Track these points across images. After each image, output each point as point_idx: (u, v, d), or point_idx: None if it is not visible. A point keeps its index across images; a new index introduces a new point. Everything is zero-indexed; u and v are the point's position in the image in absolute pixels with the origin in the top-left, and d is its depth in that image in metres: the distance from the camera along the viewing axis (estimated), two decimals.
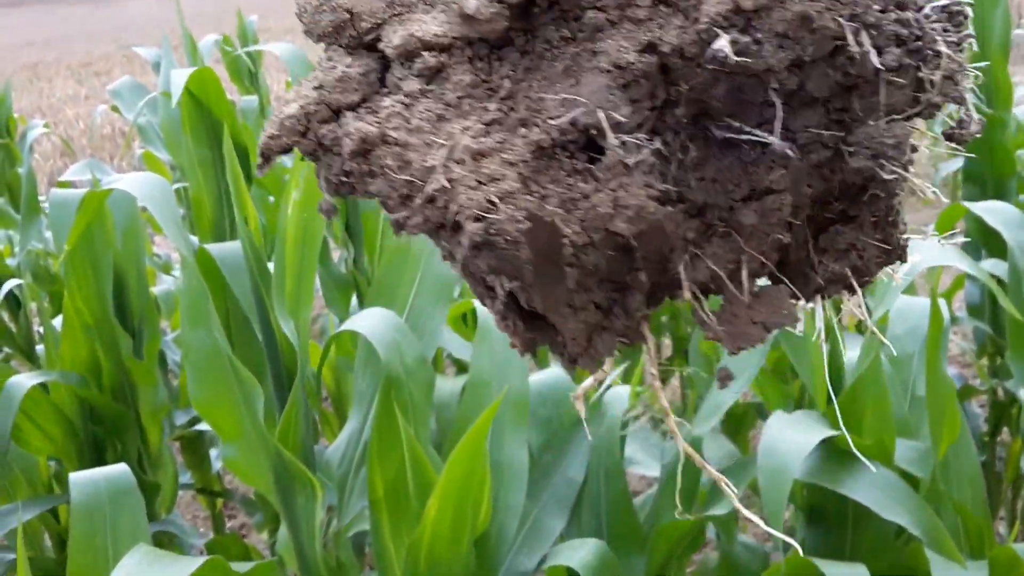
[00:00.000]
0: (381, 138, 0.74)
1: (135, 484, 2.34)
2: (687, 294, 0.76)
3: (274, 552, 3.71)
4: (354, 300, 3.79)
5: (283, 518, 2.53)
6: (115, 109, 5.66)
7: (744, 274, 0.76)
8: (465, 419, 2.50)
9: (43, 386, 3.21)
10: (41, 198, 5.68)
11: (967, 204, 2.97)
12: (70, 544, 2.24)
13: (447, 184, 0.71)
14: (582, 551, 2.40)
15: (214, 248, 2.82)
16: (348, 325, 2.59)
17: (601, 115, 0.73)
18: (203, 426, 3.78)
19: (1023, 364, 2.78)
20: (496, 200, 0.70)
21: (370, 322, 2.48)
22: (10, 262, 4.66)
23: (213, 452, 4.33)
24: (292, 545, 2.51)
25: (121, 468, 2.38)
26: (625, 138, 0.73)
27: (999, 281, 2.96)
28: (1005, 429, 4.13)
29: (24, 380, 3.11)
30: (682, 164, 0.75)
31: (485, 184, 0.72)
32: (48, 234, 4.93)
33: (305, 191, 2.52)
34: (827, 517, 2.73)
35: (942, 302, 2.41)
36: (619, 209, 0.71)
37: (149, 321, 3.49)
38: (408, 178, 0.73)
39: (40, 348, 4.39)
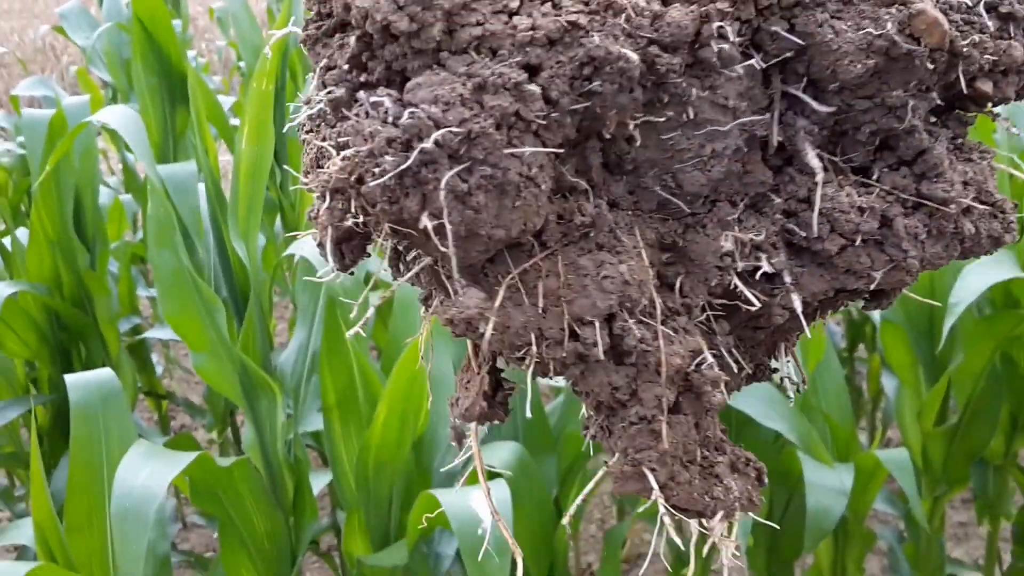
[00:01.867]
0: None
1: (120, 387, 2.50)
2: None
3: (222, 450, 3.93)
4: (278, 222, 3.97)
5: (248, 420, 2.72)
6: (59, 30, 5.68)
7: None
8: (401, 334, 2.73)
9: (12, 295, 3.36)
10: None
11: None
12: (71, 440, 2.37)
13: None
14: (502, 451, 2.59)
15: (164, 170, 2.97)
16: (293, 249, 2.78)
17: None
18: (148, 333, 3.98)
19: None
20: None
21: (311, 244, 2.59)
22: None
23: (154, 357, 4.47)
24: (257, 443, 2.71)
25: (107, 372, 2.52)
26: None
27: None
28: (861, 346, 4.39)
29: (1, 289, 3.26)
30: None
31: None
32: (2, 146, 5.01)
33: (252, 127, 2.66)
34: None
35: None
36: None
37: (101, 237, 3.68)
38: None
39: None
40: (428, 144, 0.69)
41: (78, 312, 3.55)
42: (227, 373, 2.66)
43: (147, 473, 2.20)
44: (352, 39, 0.78)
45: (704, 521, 0.83)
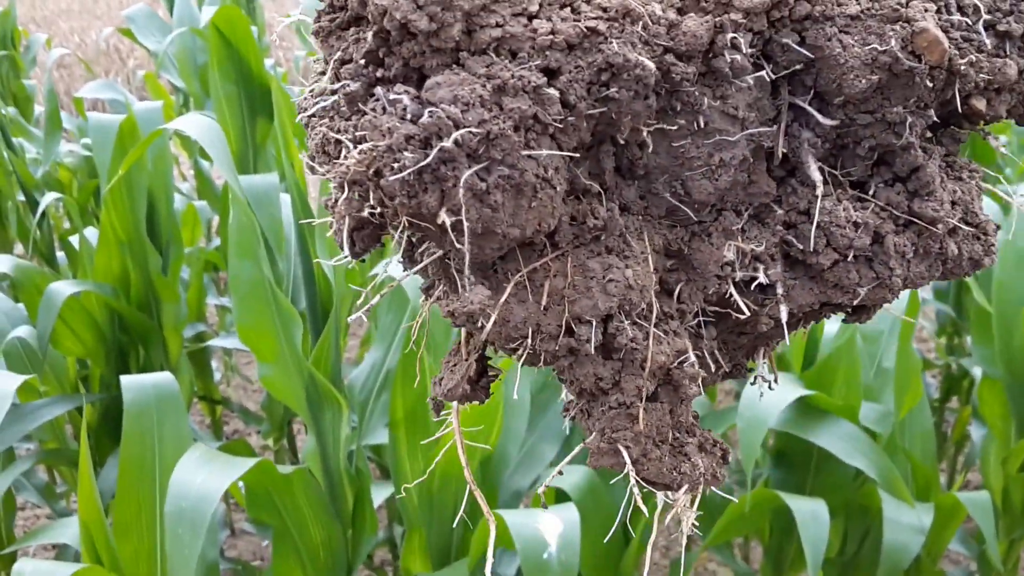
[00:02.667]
0: None
1: (179, 390, 2.52)
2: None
3: (277, 458, 3.89)
4: None
5: (311, 431, 2.73)
6: (127, 33, 5.67)
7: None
8: None
9: (75, 295, 3.38)
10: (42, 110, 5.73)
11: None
12: (123, 439, 2.37)
13: None
14: (573, 476, 2.59)
15: (245, 181, 2.97)
16: (378, 268, 2.77)
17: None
18: (212, 342, 3.99)
19: (982, 347, 2.99)
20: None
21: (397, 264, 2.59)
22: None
23: (213, 363, 4.45)
24: (318, 454, 2.71)
25: (166, 376, 2.54)
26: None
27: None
28: (955, 398, 4.38)
29: (63, 287, 3.29)
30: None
31: None
32: (63, 147, 5.00)
33: None
34: (792, 460, 2.96)
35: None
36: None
37: (175, 242, 3.69)
38: None
39: (61, 256, 4.46)
40: (448, 143, 0.72)
41: (143, 315, 3.59)
42: (294, 385, 2.68)
43: (204, 476, 2.22)
44: (369, 35, 0.80)
45: (670, 493, 0.89)
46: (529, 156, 0.75)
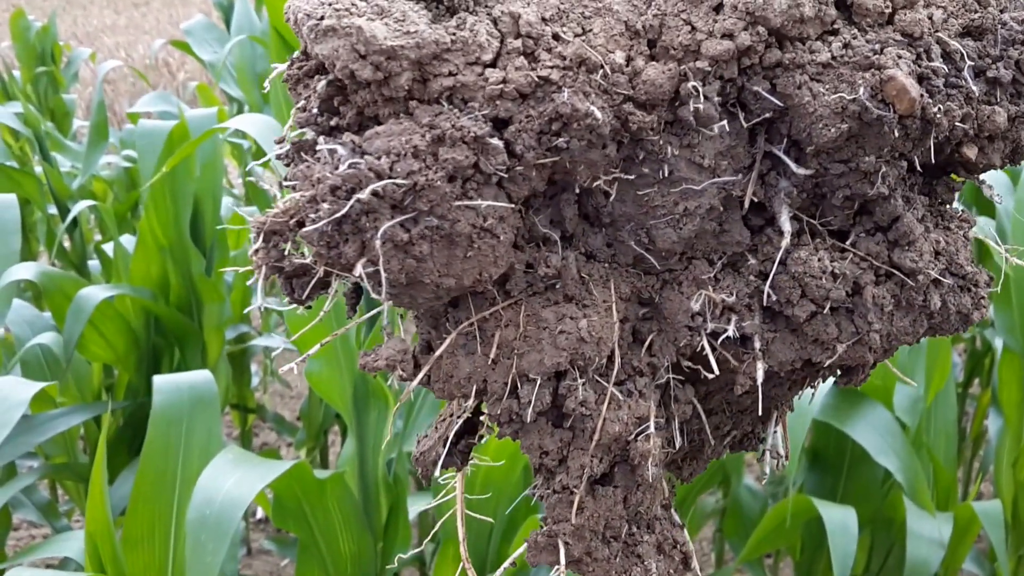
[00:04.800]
0: None
1: (216, 391, 2.43)
2: None
3: None
4: None
5: (351, 433, 2.67)
6: (181, 45, 5.65)
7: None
8: None
9: (108, 298, 3.32)
10: (83, 123, 5.72)
11: None
12: (144, 451, 2.29)
13: None
14: None
15: None
16: None
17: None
18: (256, 341, 3.97)
19: (1003, 314, 2.91)
20: None
21: None
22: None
23: (253, 367, 4.44)
24: (356, 458, 2.66)
25: (204, 375, 2.46)
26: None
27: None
28: (976, 381, 4.32)
29: (96, 292, 3.23)
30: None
31: None
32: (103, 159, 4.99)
33: None
34: (827, 461, 2.93)
35: None
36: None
37: (220, 244, 3.65)
38: None
39: (93, 264, 4.43)
40: (364, 195, 0.70)
41: (182, 317, 3.53)
42: (341, 381, 2.63)
43: (235, 480, 2.15)
44: (322, 84, 0.78)
45: None
46: (466, 206, 0.72)
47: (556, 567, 0.79)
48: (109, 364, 3.61)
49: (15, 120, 4.85)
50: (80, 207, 4.03)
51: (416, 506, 2.85)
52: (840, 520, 2.48)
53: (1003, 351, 2.95)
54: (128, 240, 3.72)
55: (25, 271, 3.21)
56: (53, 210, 4.82)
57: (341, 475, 2.52)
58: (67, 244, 4.78)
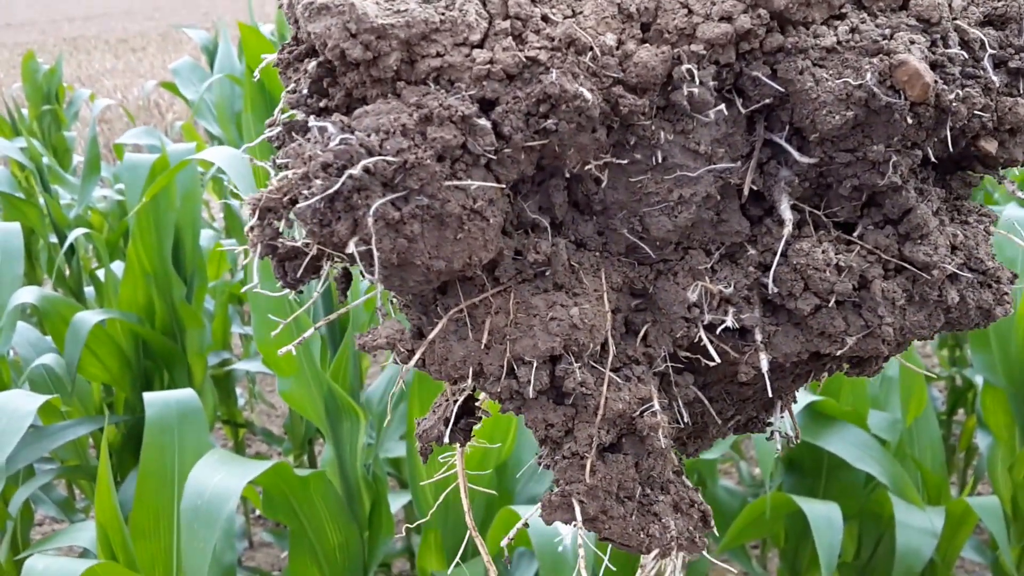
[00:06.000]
0: None
1: (200, 407, 2.51)
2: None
3: None
4: None
5: (329, 441, 2.70)
6: (169, 86, 5.75)
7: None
8: None
9: (101, 323, 3.40)
10: (81, 159, 5.89)
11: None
12: (143, 453, 2.37)
13: None
14: None
15: None
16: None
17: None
18: (236, 365, 3.99)
19: (981, 355, 2.90)
20: None
21: None
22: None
23: (238, 391, 4.50)
24: (336, 463, 2.69)
25: (188, 392, 2.53)
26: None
27: None
28: (960, 411, 4.30)
29: (89, 316, 3.31)
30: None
31: None
32: (97, 193, 5.10)
33: None
34: (804, 467, 2.91)
35: None
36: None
37: (199, 273, 3.71)
38: None
39: (89, 290, 4.54)
40: (356, 171, 0.68)
41: (168, 341, 3.59)
42: (313, 397, 2.65)
43: (222, 476, 2.21)
44: (313, 65, 0.76)
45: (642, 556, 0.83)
46: (455, 187, 0.70)
47: (573, 523, 0.78)
48: (107, 383, 3.66)
49: (20, 154, 4.97)
50: (75, 234, 4.10)
51: (397, 502, 2.92)
52: (824, 513, 2.47)
53: (985, 385, 2.94)
54: (118, 267, 3.78)
55: (28, 295, 3.34)
56: (54, 239, 4.92)
57: (322, 473, 2.56)
58: (67, 271, 4.86)
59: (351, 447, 2.67)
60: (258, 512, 4.51)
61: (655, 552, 0.80)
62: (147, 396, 2.47)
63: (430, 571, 2.67)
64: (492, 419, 2.39)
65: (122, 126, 11.95)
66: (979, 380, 3.11)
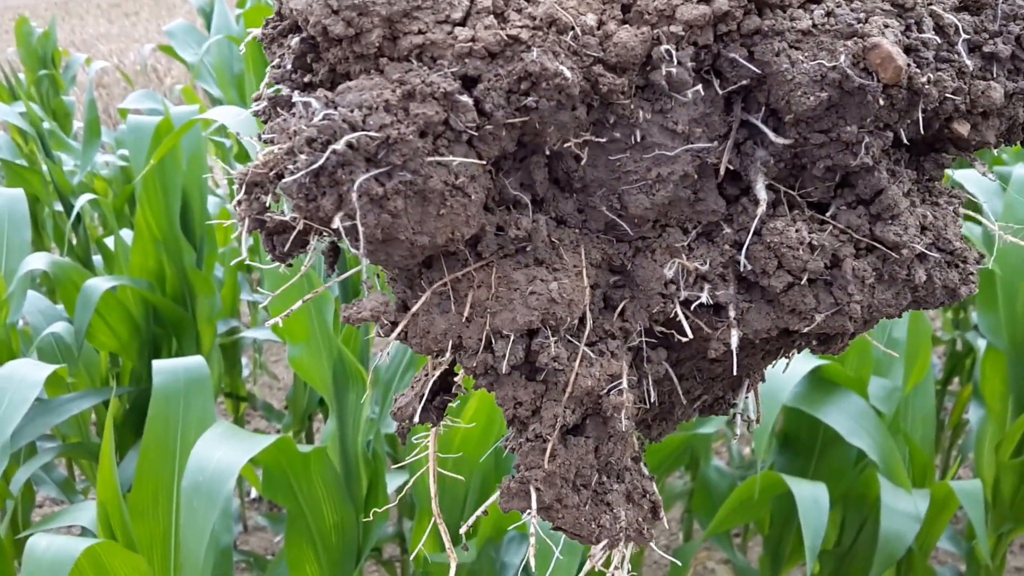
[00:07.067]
0: None
1: (208, 374, 2.49)
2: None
3: None
4: None
5: (332, 412, 2.71)
6: (167, 49, 5.74)
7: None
8: None
9: (111, 289, 3.41)
10: (82, 125, 5.88)
11: (948, 171, 3.00)
12: (148, 423, 2.36)
13: None
14: None
15: None
16: None
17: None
18: (245, 333, 4.01)
19: (986, 316, 2.91)
20: None
21: None
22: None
23: (243, 360, 4.52)
24: (337, 435, 2.69)
25: (197, 360, 2.52)
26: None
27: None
28: (956, 379, 4.34)
29: (100, 283, 3.31)
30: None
31: None
32: (99, 159, 5.06)
33: None
34: (799, 443, 2.91)
35: None
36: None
37: (208, 238, 3.72)
38: None
39: (97, 259, 4.55)
40: (340, 146, 0.68)
41: (178, 308, 3.59)
42: (321, 364, 2.65)
43: (224, 451, 2.19)
44: (296, 40, 0.77)
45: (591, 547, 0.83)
46: (437, 163, 0.71)
47: (528, 512, 0.78)
48: (115, 352, 3.67)
49: (20, 119, 4.95)
50: (83, 201, 4.08)
51: (393, 482, 2.90)
52: (811, 494, 2.47)
53: (987, 348, 2.94)
54: (127, 234, 3.77)
55: (39, 261, 3.32)
56: (59, 207, 4.91)
57: (323, 449, 2.55)
58: (74, 240, 4.85)
59: (355, 419, 2.67)
60: (253, 495, 4.54)
61: (604, 543, 0.81)
62: (156, 364, 2.46)
63: (422, 556, 2.68)
64: (488, 402, 2.40)
65: (120, 91, 11.90)
66: (981, 344, 3.11)
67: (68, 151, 5.48)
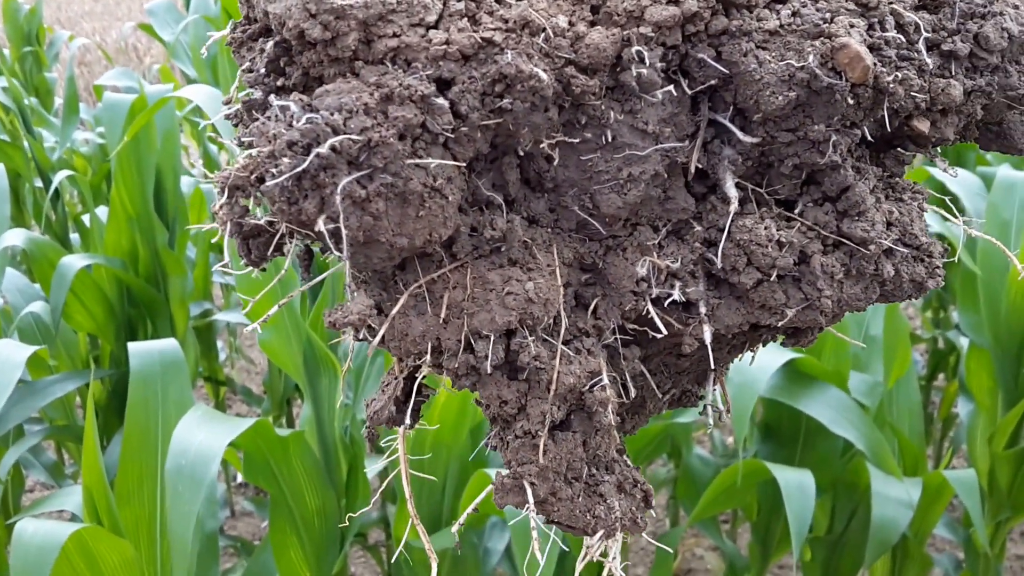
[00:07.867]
0: None
1: (183, 357, 2.50)
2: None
3: None
4: None
5: (307, 398, 2.71)
6: (146, 28, 5.70)
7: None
8: None
9: (86, 268, 3.41)
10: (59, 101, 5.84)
11: (930, 169, 3.03)
12: (128, 409, 2.37)
13: None
14: None
15: None
16: None
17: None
18: (218, 316, 4.01)
19: (967, 315, 2.92)
20: None
21: None
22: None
23: (219, 344, 4.50)
24: (314, 422, 2.70)
25: (171, 342, 2.53)
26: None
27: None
28: (941, 376, 4.33)
29: (75, 260, 3.32)
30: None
31: None
32: (79, 135, 5.04)
33: None
34: (781, 433, 2.90)
35: None
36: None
37: (182, 217, 3.71)
38: None
39: (74, 236, 4.50)
40: (324, 149, 0.69)
41: (151, 288, 3.59)
42: (291, 349, 2.66)
43: (204, 435, 2.20)
44: (270, 44, 0.78)
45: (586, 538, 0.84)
46: (416, 165, 0.72)
47: (525, 507, 0.79)
48: (92, 334, 3.68)
49: (2, 94, 4.95)
50: (60, 177, 4.08)
51: (374, 468, 2.92)
52: (796, 481, 2.46)
53: (970, 346, 2.93)
54: (102, 212, 3.76)
55: (15, 237, 3.33)
56: (40, 184, 4.88)
57: (301, 433, 2.56)
58: (52, 216, 4.85)
59: (329, 405, 2.67)
60: (239, 480, 4.52)
61: (600, 533, 0.82)
62: (131, 347, 2.47)
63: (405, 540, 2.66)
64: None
65: (101, 69, 11.88)
66: (963, 342, 3.12)
67: (49, 127, 5.46)
